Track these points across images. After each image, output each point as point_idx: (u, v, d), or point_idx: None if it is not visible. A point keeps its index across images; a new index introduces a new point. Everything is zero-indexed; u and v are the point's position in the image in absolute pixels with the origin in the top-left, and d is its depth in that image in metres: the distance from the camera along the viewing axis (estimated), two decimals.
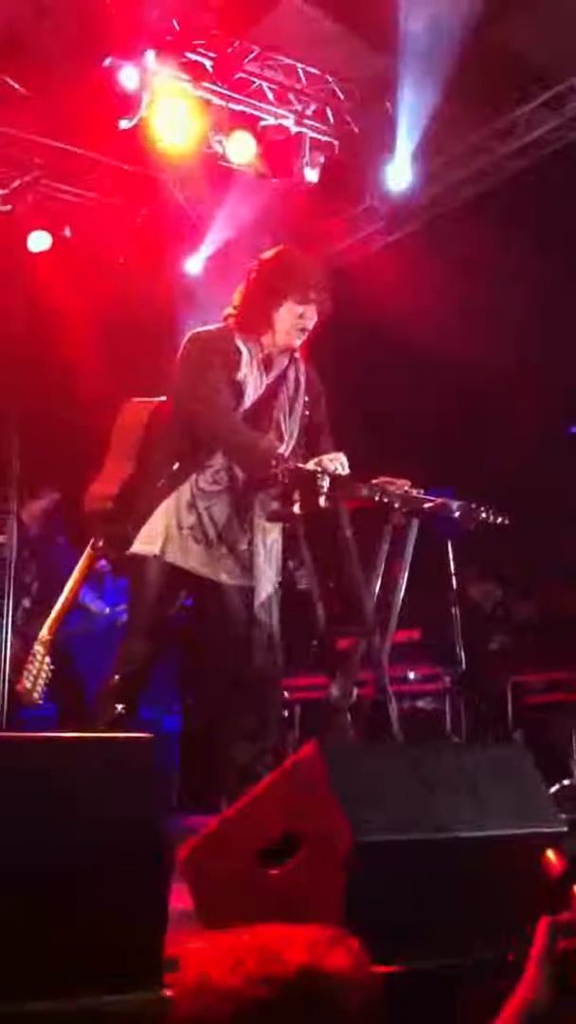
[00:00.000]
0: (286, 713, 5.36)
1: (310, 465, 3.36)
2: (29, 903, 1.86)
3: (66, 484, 5.68)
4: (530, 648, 6.26)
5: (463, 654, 4.91)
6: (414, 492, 3.51)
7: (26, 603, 5.57)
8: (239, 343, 3.54)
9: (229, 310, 3.62)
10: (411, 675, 5.70)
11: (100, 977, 1.85)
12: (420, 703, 5.71)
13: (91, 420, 4.35)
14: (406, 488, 3.49)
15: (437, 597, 4.82)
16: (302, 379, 3.67)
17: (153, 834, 2.04)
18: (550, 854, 1.54)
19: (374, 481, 3.48)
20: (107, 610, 5.80)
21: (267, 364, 3.60)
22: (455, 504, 3.56)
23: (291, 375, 3.65)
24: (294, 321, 3.53)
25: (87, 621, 5.85)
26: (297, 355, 3.66)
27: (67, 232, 7.17)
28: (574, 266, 6.28)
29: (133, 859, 1.98)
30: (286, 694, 5.07)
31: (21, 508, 5.89)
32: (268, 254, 3.63)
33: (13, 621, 5.39)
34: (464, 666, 5.01)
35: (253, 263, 3.64)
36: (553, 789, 5.29)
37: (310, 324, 3.56)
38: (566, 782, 5.40)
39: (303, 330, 3.55)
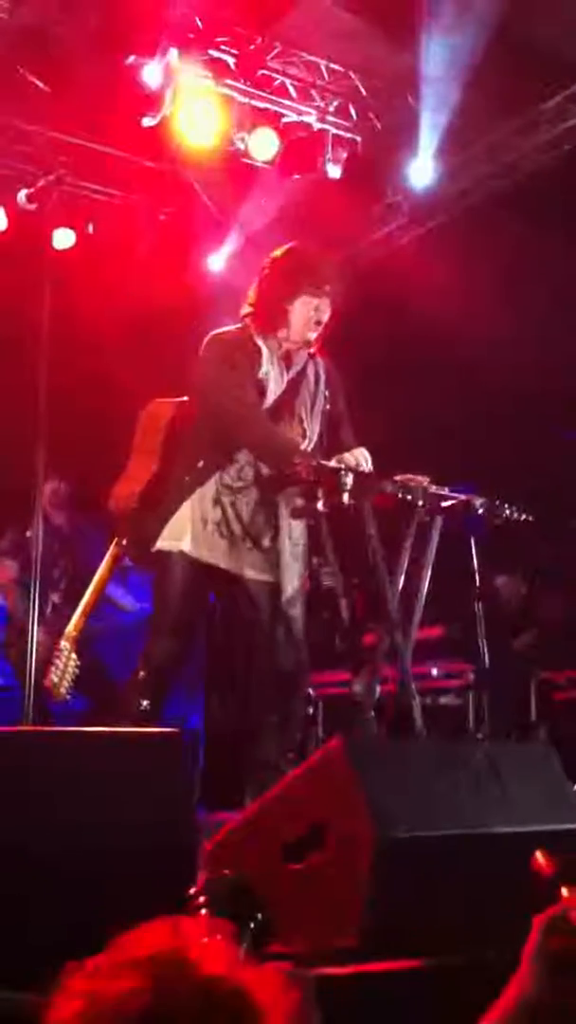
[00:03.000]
0: (310, 709, 5.37)
1: (333, 462, 3.37)
2: (54, 895, 1.88)
3: (92, 479, 5.66)
4: (556, 645, 6.24)
5: (486, 650, 4.90)
6: (433, 488, 3.52)
7: (55, 598, 5.53)
8: (258, 341, 3.55)
9: (246, 309, 3.63)
10: (434, 671, 5.69)
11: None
12: (443, 699, 5.70)
13: (116, 416, 4.37)
14: (425, 484, 3.49)
15: (462, 593, 4.81)
16: (322, 374, 3.68)
17: (179, 828, 2.06)
18: (539, 856, 1.60)
19: (396, 478, 3.48)
20: (136, 605, 5.76)
21: (287, 360, 3.61)
22: (479, 501, 3.56)
23: (311, 371, 3.66)
24: (309, 314, 3.54)
25: (115, 616, 5.84)
26: (314, 350, 3.67)
27: (90, 228, 7.19)
28: None
29: (159, 852, 2.00)
30: (311, 690, 5.08)
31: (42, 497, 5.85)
32: (279, 251, 3.64)
33: (41, 616, 5.35)
34: (487, 662, 4.99)
35: (265, 260, 3.65)
36: None
37: (325, 317, 3.57)
38: None
39: (318, 323, 3.56)
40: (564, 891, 1.54)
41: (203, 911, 1.90)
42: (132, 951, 1.10)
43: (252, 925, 1.88)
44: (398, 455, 3.61)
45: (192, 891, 1.91)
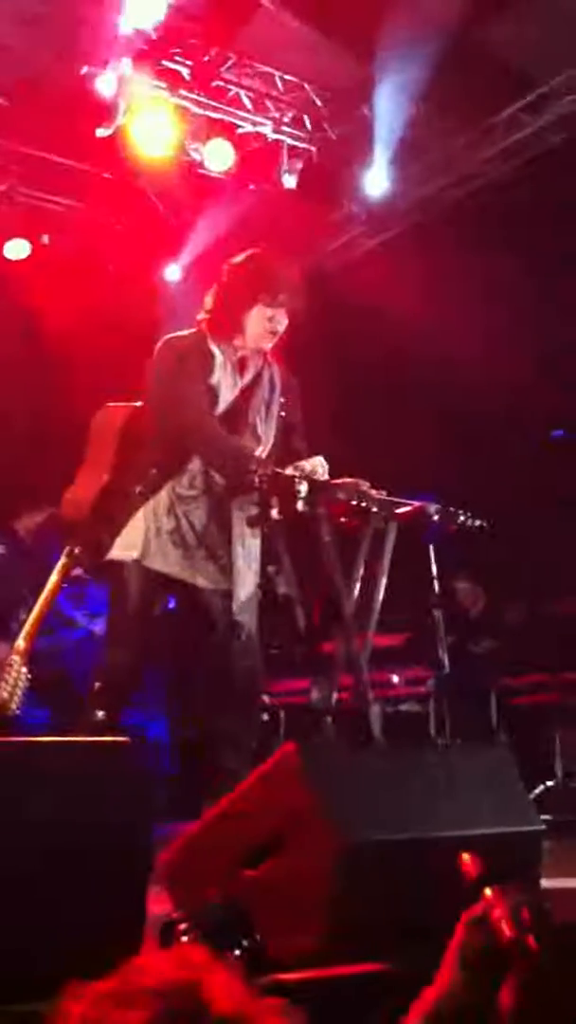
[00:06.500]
0: (269, 717, 5.36)
1: (289, 470, 3.36)
2: (5, 906, 1.85)
3: (42, 490, 5.62)
4: (516, 651, 6.28)
5: (446, 657, 4.92)
6: (386, 495, 3.51)
7: (23, 615, 5.47)
8: (212, 347, 3.53)
9: (201, 315, 3.61)
10: (395, 678, 5.71)
11: (77, 979, 1.84)
12: (404, 706, 5.72)
13: (67, 427, 4.34)
14: (365, 488, 3.47)
15: (423, 601, 4.82)
16: (277, 380, 3.66)
17: (131, 838, 2.04)
18: (466, 858, 1.66)
19: (334, 482, 3.44)
20: (85, 623, 5.73)
21: (241, 367, 3.60)
22: (433, 508, 3.56)
23: (266, 377, 3.64)
24: (264, 324, 3.52)
25: (70, 631, 5.81)
26: (270, 357, 3.66)
27: (45, 240, 7.17)
28: (556, 271, 6.31)
29: (111, 863, 1.98)
30: (268, 699, 5.07)
31: (15, 520, 5.82)
32: (238, 258, 3.62)
33: (8, 633, 5.29)
34: (448, 669, 5.01)
35: (224, 266, 3.64)
36: (538, 790, 5.30)
37: (280, 327, 3.56)
38: (550, 783, 5.41)
39: (273, 333, 3.56)
40: (487, 891, 1.59)
41: (185, 938, 1.87)
42: (141, 980, 1.07)
43: (241, 951, 1.86)
44: (349, 463, 3.60)
45: (175, 917, 1.88)
